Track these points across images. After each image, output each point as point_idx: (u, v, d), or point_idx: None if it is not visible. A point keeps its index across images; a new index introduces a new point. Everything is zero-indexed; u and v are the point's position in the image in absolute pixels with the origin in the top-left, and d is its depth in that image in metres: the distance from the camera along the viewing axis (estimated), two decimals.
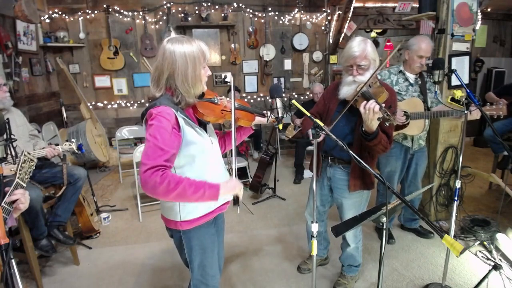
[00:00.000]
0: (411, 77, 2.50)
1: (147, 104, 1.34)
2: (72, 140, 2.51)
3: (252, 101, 5.68)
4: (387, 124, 1.62)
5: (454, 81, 2.81)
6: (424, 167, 2.78)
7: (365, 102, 1.63)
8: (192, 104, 1.38)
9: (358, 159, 1.29)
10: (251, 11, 5.34)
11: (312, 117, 1.43)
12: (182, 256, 1.55)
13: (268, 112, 1.65)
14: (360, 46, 1.75)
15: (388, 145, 1.80)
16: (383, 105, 1.60)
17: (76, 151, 2.48)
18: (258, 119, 1.64)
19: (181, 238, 1.47)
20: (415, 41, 2.43)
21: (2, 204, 1.08)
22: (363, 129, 1.72)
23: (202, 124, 1.45)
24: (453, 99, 2.47)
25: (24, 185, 1.17)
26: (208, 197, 1.24)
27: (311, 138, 1.76)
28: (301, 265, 2.48)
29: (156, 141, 1.19)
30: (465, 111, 2.05)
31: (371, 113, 1.59)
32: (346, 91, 1.83)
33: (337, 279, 2.29)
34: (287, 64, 5.70)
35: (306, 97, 5.79)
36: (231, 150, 1.44)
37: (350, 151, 1.31)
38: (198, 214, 1.41)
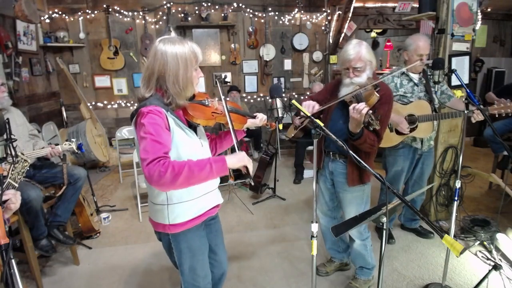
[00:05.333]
0: (415, 77, 2.49)
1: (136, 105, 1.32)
2: (72, 139, 2.50)
3: (252, 101, 5.69)
4: (371, 129, 1.67)
5: (454, 81, 2.81)
6: (431, 168, 2.78)
7: (355, 104, 1.68)
8: (183, 106, 1.36)
9: (358, 159, 1.29)
10: (251, 11, 5.34)
11: (313, 118, 1.43)
12: (172, 259, 1.54)
13: (262, 115, 1.65)
14: (355, 49, 1.83)
15: (376, 143, 1.86)
16: (370, 111, 1.64)
17: (76, 151, 2.47)
18: (250, 122, 1.64)
19: (170, 241, 1.45)
20: (412, 40, 2.42)
21: None
22: (349, 129, 1.79)
23: (193, 126, 1.43)
24: None
25: (16, 185, 1.16)
26: (216, 171, 1.20)
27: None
28: (319, 267, 2.43)
29: (153, 136, 1.18)
30: (465, 111, 2.06)
31: (357, 114, 1.64)
32: (344, 92, 1.90)
33: (349, 282, 2.26)
34: (287, 64, 5.69)
35: (306, 97, 5.78)
36: (231, 148, 1.43)
37: (350, 151, 1.31)
38: (186, 217, 1.40)
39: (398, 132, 2.40)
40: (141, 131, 1.21)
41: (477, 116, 2.08)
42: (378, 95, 1.76)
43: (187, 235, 1.43)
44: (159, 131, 1.20)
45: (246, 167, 1.28)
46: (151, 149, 1.16)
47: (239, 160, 1.26)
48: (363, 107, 1.62)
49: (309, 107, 1.84)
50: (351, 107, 1.67)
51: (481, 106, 2.04)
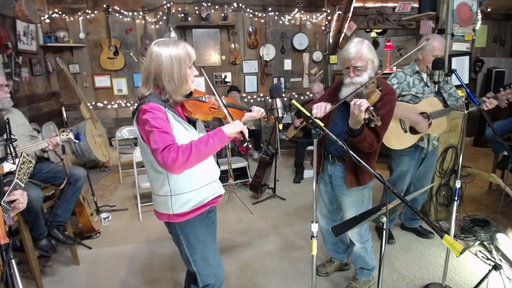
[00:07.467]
0: (426, 77, 2.48)
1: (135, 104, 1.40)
2: (69, 130, 2.49)
3: (252, 101, 5.68)
4: (372, 125, 1.64)
5: (454, 81, 2.80)
6: (434, 167, 2.77)
7: (356, 99, 1.64)
8: (180, 102, 1.44)
9: (358, 158, 1.29)
10: (251, 11, 5.34)
11: (313, 117, 1.43)
12: (182, 253, 1.56)
13: (259, 108, 1.67)
14: (356, 48, 1.78)
15: (375, 143, 1.81)
16: (371, 107, 1.62)
17: (74, 140, 2.46)
18: (248, 115, 1.68)
19: (178, 233, 1.50)
20: (428, 40, 2.41)
21: (1, 203, 1.09)
22: (348, 125, 1.75)
23: (192, 122, 1.51)
24: None
25: (23, 185, 1.20)
26: (219, 141, 1.31)
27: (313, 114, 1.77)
28: (319, 267, 2.43)
29: (159, 129, 1.26)
30: (465, 111, 2.05)
31: (357, 110, 1.60)
32: (345, 92, 1.86)
33: (349, 283, 2.26)
34: (287, 64, 5.70)
35: (306, 97, 5.79)
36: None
37: (350, 151, 1.31)
38: (190, 207, 1.46)
39: (415, 132, 2.39)
40: (146, 126, 1.29)
41: (490, 105, 2.09)
42: (379, 92, 1.74)
43: (193, 226, 1.49)
44: (162, 124, 1.29)
45: (242, 133, 1.37)
46: (160, 139, 1.25)
47: (234, 127, 1.36)
48: (363, 103, 1.58)
49: (320, 107, 1.77)
50: (352, 102, 1.63)
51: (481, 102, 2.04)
